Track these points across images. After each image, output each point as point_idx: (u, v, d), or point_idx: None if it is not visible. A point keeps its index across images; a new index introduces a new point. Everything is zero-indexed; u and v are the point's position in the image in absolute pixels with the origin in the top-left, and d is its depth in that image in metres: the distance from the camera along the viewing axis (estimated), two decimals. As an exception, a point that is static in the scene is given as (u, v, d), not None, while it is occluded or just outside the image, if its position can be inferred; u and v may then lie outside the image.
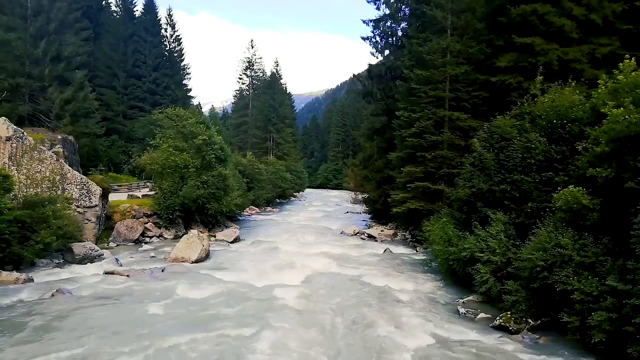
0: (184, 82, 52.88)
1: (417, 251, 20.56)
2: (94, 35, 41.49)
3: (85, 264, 15.91)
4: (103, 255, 16.97)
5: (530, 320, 10.09)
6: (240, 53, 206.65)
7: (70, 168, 19.55)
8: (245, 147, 60.08)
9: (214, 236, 23.04)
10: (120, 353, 8.27)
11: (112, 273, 14.31)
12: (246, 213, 36.62)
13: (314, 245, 21.89)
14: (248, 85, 69.00)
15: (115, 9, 49.07)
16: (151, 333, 9.28)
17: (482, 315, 11.12)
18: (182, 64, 52.83)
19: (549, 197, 10.99)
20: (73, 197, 18.68)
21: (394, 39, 29.92)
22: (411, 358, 8.61)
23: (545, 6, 16.90)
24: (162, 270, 15.15)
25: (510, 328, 10.01)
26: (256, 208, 40.79)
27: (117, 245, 20.21)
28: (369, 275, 15.28)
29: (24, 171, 17.60)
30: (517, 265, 10.70)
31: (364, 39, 30.23)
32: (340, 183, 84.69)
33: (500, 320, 10.30)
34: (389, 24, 29.86)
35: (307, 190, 78.98)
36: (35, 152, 18.28)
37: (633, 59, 10.08)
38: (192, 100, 54.91)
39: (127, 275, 14.14)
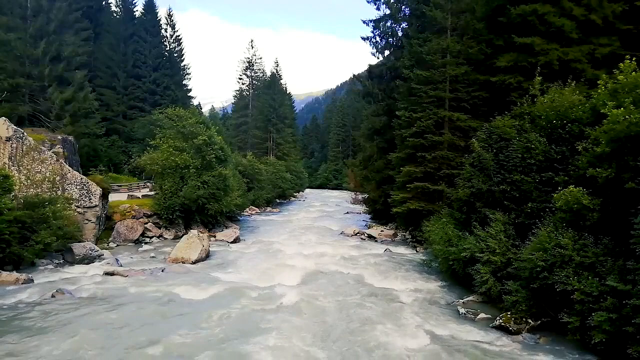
0: (184, 82, 52.82)
1: (417, 251, 20.55)
2: (94, 35, 41.45)
3: (86, 264, 15.91)
4: (103, 255, 16.95)
5: (530, 321, 10.10)
6: (240, 53, 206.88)
7: (70, 168, 19.54)
8: (245, 147, 60.03)
9: (214, 236, 23.03)
10: (120, 353, 8.28)
11: (112, 273, 14.29)
12: (246, 213, 36.62)
13: (314, 245, 21.87)
14: (248, 85, 69.01)
15: (115, 9, 49.05)
16: (151, 334, 9.28)
17: (482, 315, 11.13)
18: (182, 64, 52.79)
19: (549, 197, 11.00)
20: (73, 197, 18.67)
21: (394, 39, 29.88)
22: (411, 358, 8.61)
23: (545, 6, 16.91)
24: (162, 271, 15.15)
25: (510, 328, 10.02)
26: (256, 208, 40.78)
27: (117, 245, 20.22)
28: (369, 276, 15.28)
29: (24, 171, 17.61)
30: (517, 265, 10.70)
31: (364, 39, 30.22)
32: (340, 183, 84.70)
33: (500, 321, 10.30)
34: (389, 24, 29.82)
35: (307, 190, 78.97)
36: (36, 152, 18.27)
37: (633, 59, 10.09)
38: (192, 100, 54.86)
39: (127, 276, 14.12)
